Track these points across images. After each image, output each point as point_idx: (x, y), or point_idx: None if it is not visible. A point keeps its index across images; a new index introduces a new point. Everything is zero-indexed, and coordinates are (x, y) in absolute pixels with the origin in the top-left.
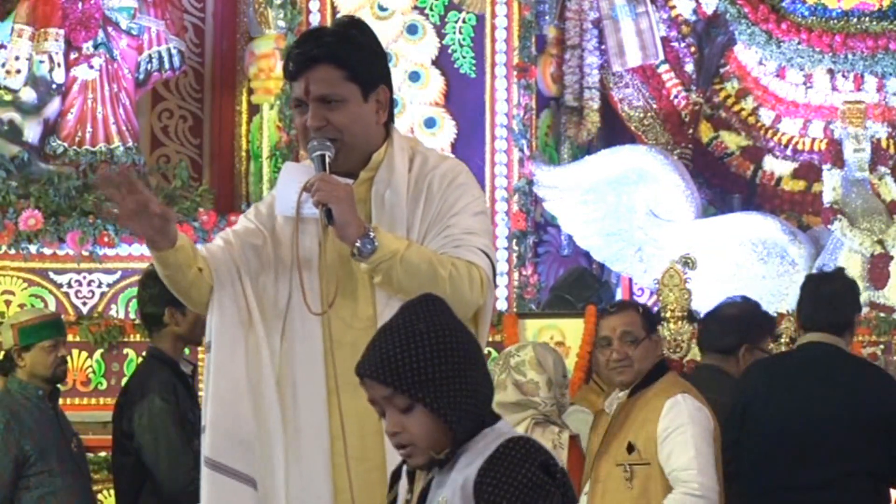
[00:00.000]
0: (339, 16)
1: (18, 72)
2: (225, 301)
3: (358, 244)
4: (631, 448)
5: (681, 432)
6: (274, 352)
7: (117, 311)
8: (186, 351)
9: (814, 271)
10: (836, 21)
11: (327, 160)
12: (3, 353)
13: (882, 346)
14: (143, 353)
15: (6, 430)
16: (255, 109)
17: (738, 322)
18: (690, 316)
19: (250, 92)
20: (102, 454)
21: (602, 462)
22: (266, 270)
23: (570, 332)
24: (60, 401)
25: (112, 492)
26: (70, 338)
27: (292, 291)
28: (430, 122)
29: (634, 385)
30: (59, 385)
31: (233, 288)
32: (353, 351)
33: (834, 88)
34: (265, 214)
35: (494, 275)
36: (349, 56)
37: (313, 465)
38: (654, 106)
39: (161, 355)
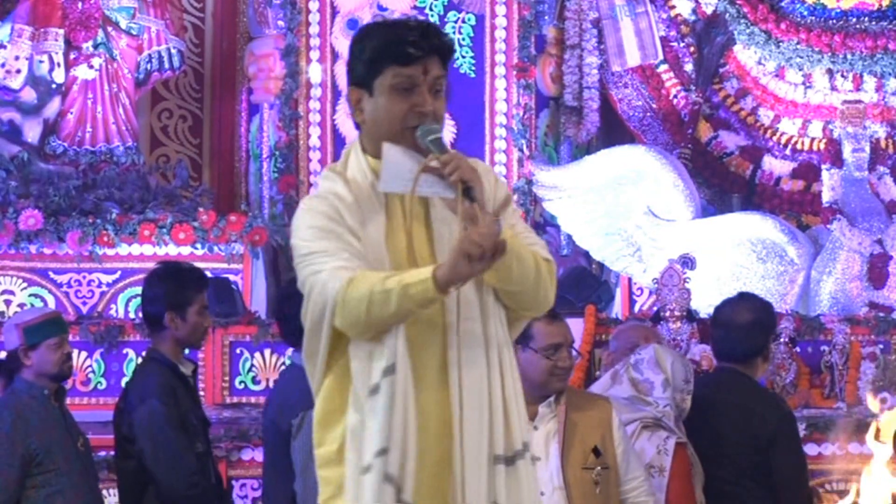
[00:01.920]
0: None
1: (18, 72)
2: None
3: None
4: (597, 452)
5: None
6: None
7: (117, 311)
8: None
9: (812, 270)
10: (835, 21)
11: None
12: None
13: (881, 346)
14: (143, 354)
15: (13, 429)
16: (254, 109)
17: (754, 328)
18: (690, 315)
19: (250, 92)
20: (102, 454)
21: (567, 468)
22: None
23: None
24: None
25: (114, 491)
26: (70, 337)
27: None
28: None
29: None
30: (63, 383)
31: None
32: (423, 343)
33: (833, 88)
34: (345, 214)
35: None
36: (448, 55)
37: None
38: (654, 106)
39: (160, 357)
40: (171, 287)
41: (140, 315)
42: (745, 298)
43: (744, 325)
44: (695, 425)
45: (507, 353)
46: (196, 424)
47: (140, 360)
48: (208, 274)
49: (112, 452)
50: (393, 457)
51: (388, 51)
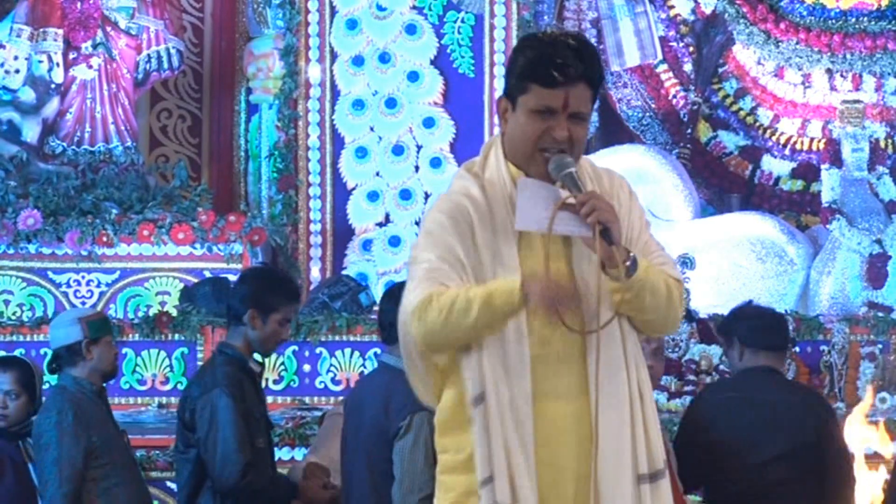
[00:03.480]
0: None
1: (17, 71)
2: (494, 350)
3: (628, 263)
4: None
5: None
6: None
7: (116, 311)
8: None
9: (811, 270)
10: (834, 21)
11: (578, 178)
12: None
13: (880, 346)
14: (213, 349)
15: (76, 420)
16: (253, 109)
17: (784, 322)
18: (689, 315)
19: (249, 91)
20: None
21: None
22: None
23: None
24: None
25: None
26: None
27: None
28: (428, 122)
29: None
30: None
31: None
32: (554, 358)
33: (832, 88)
34: (465, 232)
35: None
36: (598, 81)
37: (526, 472)
38: (653, 105)
39: (231, 351)
40: (263, 288)
41: (139, 314)
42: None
43: (778, 315)
44: (750, 426)
45: (644, 372)
46: (259, 419)
47: (211, 355)
48: (207, 274)
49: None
50: (500, 485)
51: (534, 70)
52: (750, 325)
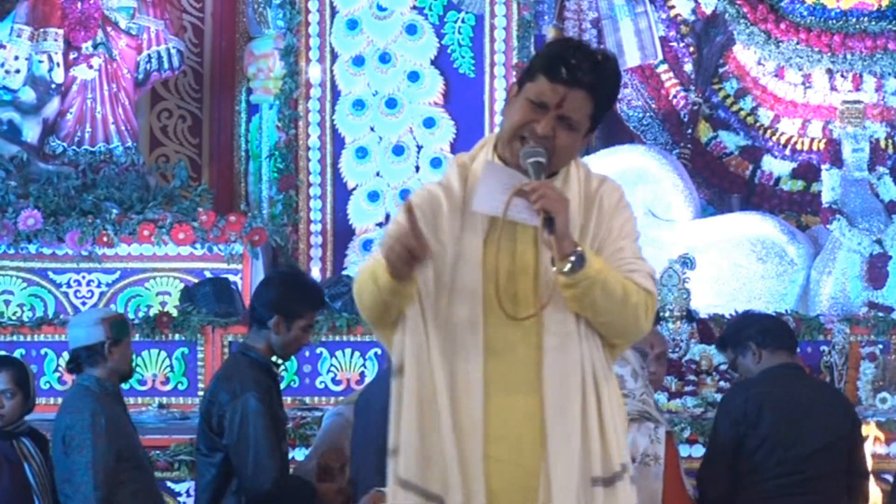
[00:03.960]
0: (589, 46)
1: (18, 72)
2: (416, 321)
3: (572, 258)
4: None
5: None
6: (440, 366)
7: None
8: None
9: (811, 270)
10: (834, 21)
11: (544, 169)
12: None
13: (881, 346)
14: (234, 349)
15: (108, 423)
16: (254, 109)
17: (787, 324)
18: (689, 315)
19: (249, 92)
20: None
21: None
22: (436, 277)
23: None
24: (60, 401)
25: None
26: None
27: (457, 284)
28: (428, 122)
29: None
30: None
31: (419, 303)
32: (506, 352)
33: (832, 88)
34: (428, 216)
35: None
36: (605, 98)
37: (473, 468)
38: (653, 106)
39: (256, 355)
40: (289, 295)
41: (139, 315)
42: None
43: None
44: (790, 420)
45: (607, 378)
46: (282, 423)
47: (231, 355)
48: (208, 274)
49: None
50: (404, 460)
51: (547, 61)
52: (762, 327)
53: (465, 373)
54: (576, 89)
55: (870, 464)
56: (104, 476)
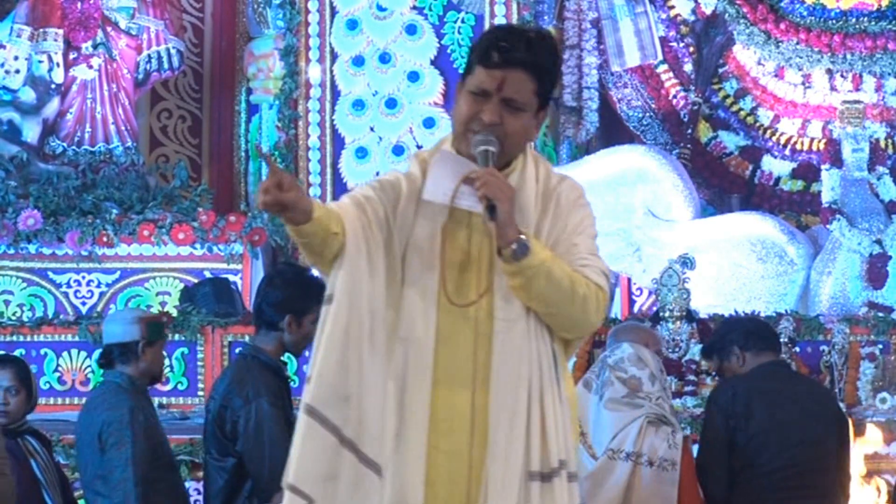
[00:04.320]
0: (525, 23)
1: (17, 72)
2: (356, 261)
3: (514, 246)
4: None
5: None
6: (388, 319)
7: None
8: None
9: (811, 270)
10: (834, 21)
11: (492, 157)
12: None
13: (880, 346)
14: (242, 352)
15: (145, 419)
16: (254, 109)
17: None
18: (689, 316)
19: (249, 92)
20: None
21: None
22: (387, 249)
23: None
24: (60, 401)
25: None
26: (69, 337)
27: (409, 276)
28: (428, 122)
29: None
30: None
31: (365, 249)
32: (455, 344)
33: (832, 88)
34: (390, 194)
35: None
36: (546, 72)
37: (412, 453)
38: (653, 106)
39: (266, 358)
40: (297, 292)
41: None
42: None
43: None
44: (782, 411)
45: (551, 369)
46: (293, 425)
47: (240, 357)
48: (207, 274)
49: None
50: (314, 388)
51: (480, 49)
52: (744, 330)
53: (415, 359)
54: (513, 70)
55: (863, 465)
56: (142, 473)
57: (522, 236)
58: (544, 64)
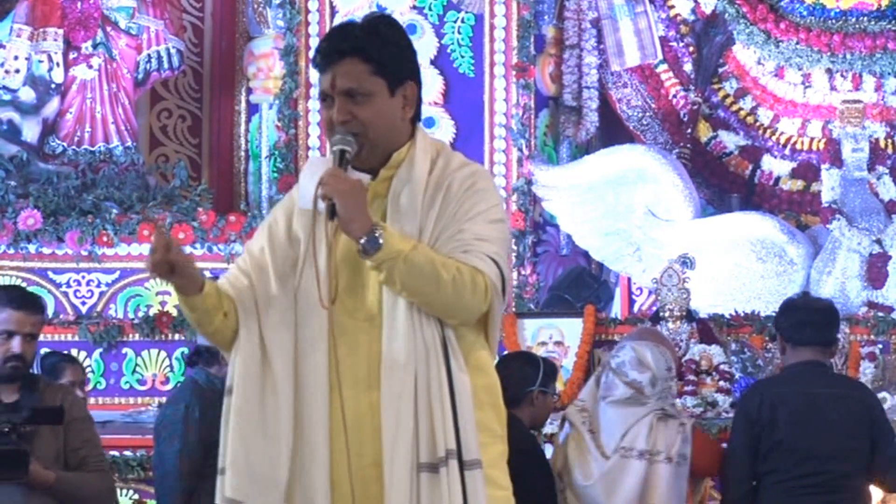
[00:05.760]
0: (358, 14)
1: (17, 71)
2: (245, 345)
3: (363, 241)
4: None
5: None
6: (287, 375)
7: (116, 311)
8: None
9: (811, 270)
10: (834, 21)
11: (346, 155)
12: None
13: (880, 346)
14: None
15: (202, 416)
16: (254, 109)
17: (830, 316)
18: (689, 315)
19: (249, 91)
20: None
21: None
22: (280, 275)
23: (569, 331)
24: None
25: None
26: (69, 337)
27: (301, 285)
28: (428, 122)
29: None
30: None
31: (254, 325)
32: (353, 345)
33: (832, 88)
34: (281, 214)
35: (505, 283)
36: (376, 50)
37: (313, 457)
38: (653, 105)
39: None
40: None
41: (139, 314)
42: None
43: (823, 310)
44: (810, 420)
45: (438, 356)
46: None
47: None
48: (207, 274)
49: (119, 453)
50: (229, 478)
51: (312, 61)
52: (791, 321)
53: (312, 365)
54: (339, 63)
55: None
56: (189, 468)
57: (377, 231)
58: (372, 43)
